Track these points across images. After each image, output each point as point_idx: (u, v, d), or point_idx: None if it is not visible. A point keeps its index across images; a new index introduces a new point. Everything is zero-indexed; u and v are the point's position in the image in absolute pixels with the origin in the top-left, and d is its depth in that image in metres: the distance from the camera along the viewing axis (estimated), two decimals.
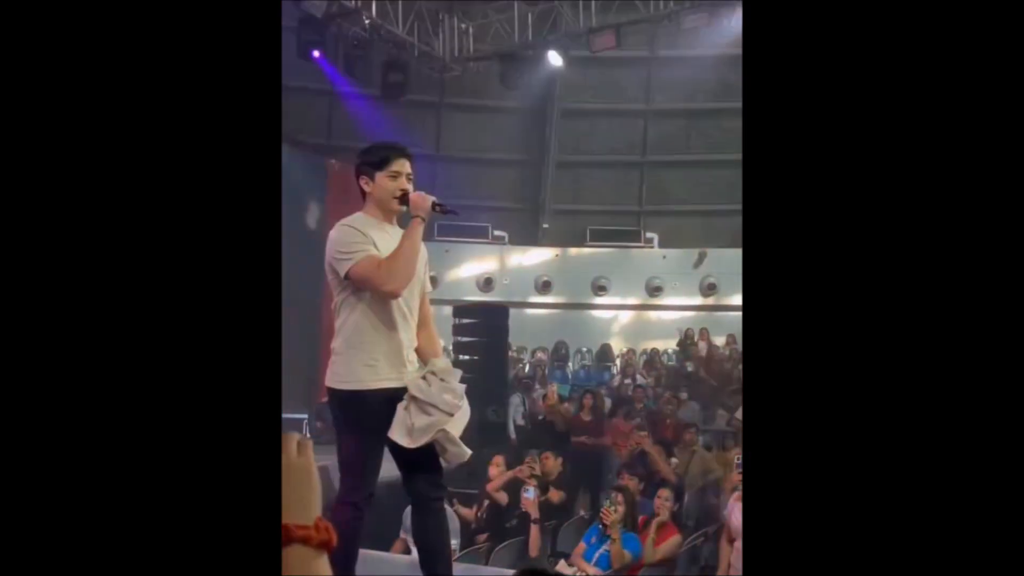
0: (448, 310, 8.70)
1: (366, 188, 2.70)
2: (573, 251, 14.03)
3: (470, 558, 4.72)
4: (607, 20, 9.45)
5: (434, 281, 13.85)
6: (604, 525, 4.46)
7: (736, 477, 4.72)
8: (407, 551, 4.95)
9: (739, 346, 12.18)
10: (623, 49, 10.04)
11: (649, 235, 14.01)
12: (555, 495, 5.42)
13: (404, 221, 2.74)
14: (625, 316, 14.22)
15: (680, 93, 12.76)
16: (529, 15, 9.90)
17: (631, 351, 13.03)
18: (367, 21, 9.45)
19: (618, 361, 13.00)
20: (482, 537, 5.05)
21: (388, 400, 2.63)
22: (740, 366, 10.56)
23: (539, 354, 12.70)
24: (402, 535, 5.08)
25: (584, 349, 13.63)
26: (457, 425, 2.64)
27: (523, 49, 10.05)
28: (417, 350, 2.76)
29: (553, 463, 5.81)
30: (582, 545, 4.63)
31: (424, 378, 2.65)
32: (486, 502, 5.25)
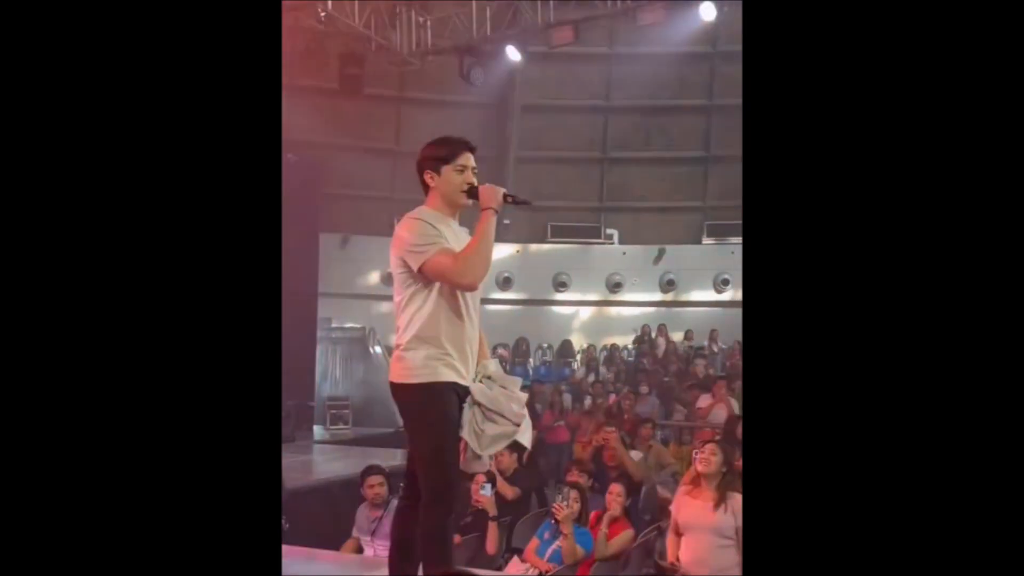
0: None
1: (430, 183, 2.70)
2: (534, 247, 14.06)
3: None
4: (565, 15, 9.43)
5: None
6: (556, 521, 4.44)
7: (692, 471, 4.72)
8: (359, 550, 4.90)
9: (695, 342, 12.31)
10: (582, 45, 10.03)
11: (609, 231, 14.09)
12: (509, 491, 5.39)
13: (464, 216, 2.75)
14: (586, 312, 14.28)
15: (639, 90, 12.82)
16: (487, 9, 9.85)
17: (592, 347, 13.10)
18: (323, 14, 9.32)
19: (579, 357, 13.04)
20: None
21: (458, 395, 2.61)
22: (697, 361, 10.66)
23: (500, 350, 12.69)
24: (354, 534, 5.03)
25: (545, 345, 13.67)
26: (526, 436, 2.66)
27: (482, 44, 9.99)
28: None
29: (508, 459, 5.78)
30: (535, 541, 4.60)
31: (481, 382, 2.65)
32: None
